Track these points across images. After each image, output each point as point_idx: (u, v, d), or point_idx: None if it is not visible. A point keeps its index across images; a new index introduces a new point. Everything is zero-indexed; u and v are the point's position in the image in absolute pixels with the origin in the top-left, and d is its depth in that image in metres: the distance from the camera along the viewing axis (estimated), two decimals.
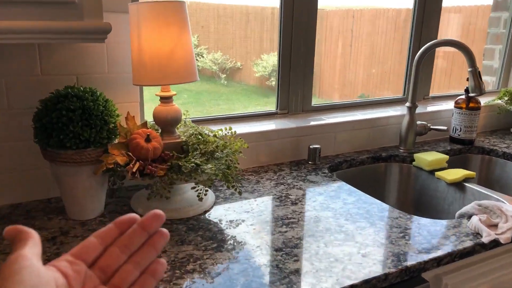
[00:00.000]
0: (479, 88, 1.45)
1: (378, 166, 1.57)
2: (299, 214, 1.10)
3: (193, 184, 1.04)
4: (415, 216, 1.10)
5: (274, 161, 1.46)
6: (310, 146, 1.45)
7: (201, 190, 1.00)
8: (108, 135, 0.99)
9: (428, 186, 1.49)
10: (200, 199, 0.99)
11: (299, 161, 1.48)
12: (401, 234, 1.01)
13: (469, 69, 1.48)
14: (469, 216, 1.09)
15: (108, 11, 1.09)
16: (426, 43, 1.53)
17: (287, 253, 0.92)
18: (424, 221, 1.08)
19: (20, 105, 1.06)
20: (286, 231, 1.01)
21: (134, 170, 0.96)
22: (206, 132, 1.16)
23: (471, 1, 2.91)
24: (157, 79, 1.00)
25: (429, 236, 1.01)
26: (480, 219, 1.03)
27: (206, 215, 1.09)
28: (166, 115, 1.07)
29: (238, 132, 1.37)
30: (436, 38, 1.83)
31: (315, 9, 1.53)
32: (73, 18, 0.80)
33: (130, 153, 1.01)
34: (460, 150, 1.67)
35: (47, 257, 0.89)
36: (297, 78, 1.56)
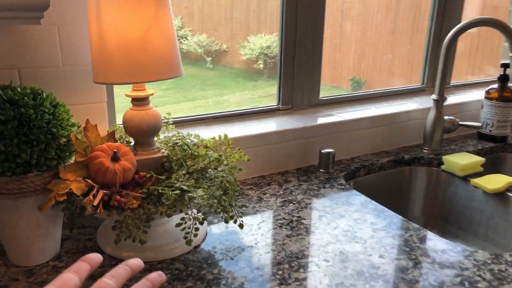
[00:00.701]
0: None
1: (401, 171, 1.32)
2: (318, 249, 0.84)
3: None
4: (469, 249, 0.85)
5: (278, 169, 1.20)
6: (322, 151, 1.19)
7: (189, 228, 0.73)
8: (59, 154, 0.71)
9: (461, 195, 1.24)
10: (188, 242, 0.73)
11: (308, 168, 1.22)
12: (458, 279, 0.76)
13: (511, 54, 1.23)
14: None
15: None
16: (449, 24, 1.27)
17: None
18: (483, 255, 0.83)
19: None
20: (304, 278, 0.76)
21: (95, 202, 0.69)
22: (194, 140, 0.89)
23: None
24: (125, 76, 0.72)
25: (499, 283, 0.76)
26: None
27: (197, 252, 0.82)
28: (140, 123, 0.79)
29: (232, 135, 1.10)
30: (459, 19, 1.57)
31: None
32: None
33: (91, 178, 0.73)
34: (492, 149, 1.43)
35: None
36: (303, 68, 1.29)
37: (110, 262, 0.79)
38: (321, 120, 1.26)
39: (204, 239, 0.87)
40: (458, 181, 1.25)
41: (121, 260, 0.77)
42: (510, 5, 1.95)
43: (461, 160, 1.24)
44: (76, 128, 0.76)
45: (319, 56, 1.31)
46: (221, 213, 0.75)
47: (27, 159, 0.67)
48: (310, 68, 1.30)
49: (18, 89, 0.70)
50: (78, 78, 0.88)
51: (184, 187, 0.74)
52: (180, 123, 1.16)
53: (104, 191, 0.72)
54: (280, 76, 1.29)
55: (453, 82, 1.69)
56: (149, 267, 0.77)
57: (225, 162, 0.83)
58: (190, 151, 0.83)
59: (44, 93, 0.73)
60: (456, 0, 1.54)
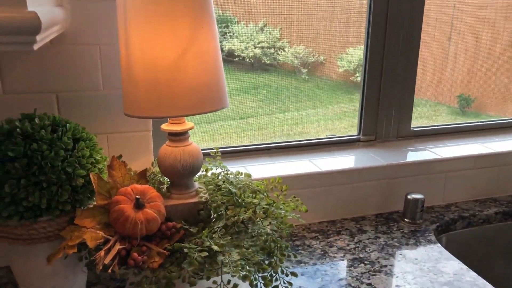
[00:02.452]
0: None
1: None
2: None
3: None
4: None
5: (353, 214, 1.00)
6: (409, 196, 0.97)
7: None
8: (74, 196, 0.61)
9: None
10: None
11: (389, 216, 1.01)
12: None
13: None
14: None
15: None
16: None
17: None
18: None
19: None
20: None
21: (107, 260, 0.58)
22: (243, 182, 0.75)
23: None
24: (153, 109, 0.60)
25: None
26: None
27: None
28: (174, 162, 0.67)
29: (301, 171, 0.94)
30: None
31: None
32: None
33: (110, 225, 0.62)
34: None
35: None
36: (392, 90, 1.08)
37: None
38: (411, 157, 1.04)
39: None
40: None
41: None
42: None
43: None
44: (103, 164, 0.66)
45: (413, 77, 1.10)
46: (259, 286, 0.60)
47: (36, 203, 0.58)
48: (401, 92, 1.09)
49: (37, 119, 0.61)
50: (119, 103, 0.79)
51: (215, 248, 0.59)
52: (242, 153, 1.03)
53: (122, 245, 0.60)
54: (363, 100, 1.10)
55: None
56: None
57: (275, 213, 0.67)
58: (234, 198, 0.69)
59: (68, 124, 0.64)
60: None
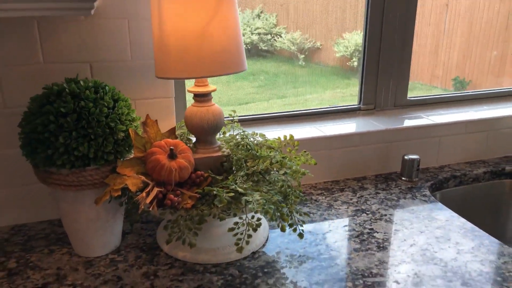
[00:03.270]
0: None
1: (500, 185, 1.14)
2: (389, 268, 0.74)
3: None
4: None
5: (355, 175, 1.10)
6: (405, 157, 1.07)
7: (241, 234, 0.68)
8: (116, 148, 0.70)
9: None
10: (239, 250, 0.68)
11: (388, 176, 1.11)
12: None
13: None
14: None
15: None
16: None
17: None
18: None
19: (17, 102, 0.82)
20: None
21: (148, 200, 0.67)
22: (259, 139, 0.84)
23: None
24: (183, 70, 0.70)
25: None
26: None
27: (254, 259, 0.77)
28: (200, 120, 0.76)
29: (307, 135, 1.03)
30: None
31: None
32: None
33: (148, 174, 0.72)
34: None
35: None
36: (390, 63, 1.17)
37: (166, 260, 0.77)
38: (407, 123, 1.13)
39: (264, 245, 0.81)
40: None
41: (176, 260, 0.76)
42: None
43: None
44: (137, 122, 0.75)
45: (409, 52, 1.19)
46: (278, 220, 0.69)
47: (85, 152, 0.67)
48: (397, 65, 1.18)
49: (82, 82, 0.71)
50: (146, 72, 0.88)
51: (240, 190, 0.69)
52: (254, 121, 1.12)
53: (159, 188, 0.70)
54: (363, 73, 1.19)
55: None
56: (203, 270, 0.74)
57: (288, 164, 0.77)
58: (252, 152, 0.78)
59: (106, 87, 0.73)
60: None
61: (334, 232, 0.85)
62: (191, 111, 0.77)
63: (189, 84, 1.00)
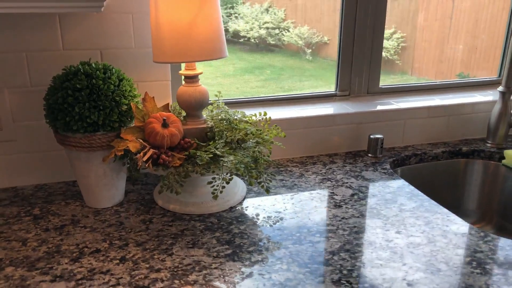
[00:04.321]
0: None
1: (456, 163, 1.30)
2: (340, 221, 0.91)
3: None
4: (492, 235, 0.86)
5: (328, 151, 1.27)
6: (371, 136, 1.23)
7: (217, 186, 0.86)
8: (120, 118, 0.88)
9: None
10: (215, 197, 0.85)
11: (357, 153, 1.27)
12: (468, 260, 0.79)
13: None
14: None
15: None
16: None
17: (311, 271, 0.75)
18: (506, 243, 0.84)
19: (41, 81, 1.00)
20: (318, 242, 0.84)
21: (144, 158, 0.85)
22: (239, 116, 1.01)
23: None
24: (174, 56, 0.87)
25: (508, 266, 0.77)
26: None
27: (231, 212, 0.95)
28: (189, 97, 0.93)
29: (287, 116, 1.20)
30: None
31: None
32: None
33: (145, 140, 0.89)
34: None
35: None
36: (362, 54, 1.33)
37: (160, 211, 0.95)
38: (375, 107, 1.29)
39: (241, 203, 0.99)
40: None
41: (168, 211, 0.93)
42: None
43: None
44: (138, 98, 0.93)
45: (380, 44, 1.34)
46: (247, 177, 0.87)
47: (95, 120, 0.85)
48: (370, 55, 1.34)
49: (93, 64, 0.88)
50: (147, 58, 1.05)
51: (218, 153, 0.86)
52: (241, 103, 1.29)
53: (154, 150, 0.87)
54: (339, 62, 1.35)
55: None
56: (189, 218, 0.92)
57: (260, 136, 0.94)
58: (231, 125, 0.95)
59: (113, 69, 0.90)
60: None
61: (300, 194, 1.03)
62: (181, 90, 0.94)
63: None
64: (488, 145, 1.31)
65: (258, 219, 0.92)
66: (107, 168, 0.92)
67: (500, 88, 1.28)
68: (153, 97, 0.94)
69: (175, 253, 0.80)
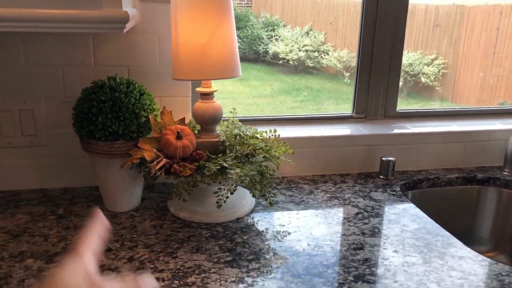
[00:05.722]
0: None
1: (470, 190, 1.30)
2: (340, 237, 0.94)
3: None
4: (490, 260, 0.87)
5: (340, 171, 1.30)
6: (383, 158, 1.26)
7: (222, 196, 0.92)
8: (138, 128, 0.96)
9: None
10: (219, 206, 0.91)
11: (369, 174, 1.30)
12: (460, 282, 0.80)
13: None
14: None
15: (158, 1, 1.07)
16: None
17: (303, 281, 0.79)
18: (504, 268, 0.84)
19: (74, 93, 1.09)
20: (315, 255, 0.87)
21: (157, 167, 0.92)
22: (251, 132, 1.07)
23: None
24: (190, 74, 0.94)
25: None
26: None
27: (238, 222, 1.00)
28: (203, 112, 1.00)
29: (302, 134, 1.25)
30: None
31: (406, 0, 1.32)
32: (91, 7, 0.78)
33: (161, 150, 0.96)
34: None
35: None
36: (379, 77, 1.37)
37: (171, 218, 1.01)
38: (389, 130, 1.32)
39: (248, 215, 1.04)
40: None
41: (178, 218, 1.00)
42: None
43: None
44: (157, 112, 1.01)
45: (398, 68, 1.38)
46: (252, 190, 0.92)
47: (116, 129, 0.93)
48: (387, 79, 1.37)
49: (118, 79, 0.97)
50: (169, 76, 1.13)
51: (225, 165, 0.92)
52: (259, 121, 1.35)
53: (167, 160, 0.94)
54: (356, 85, 1.39)
55: None
56: (197, 226, 0.98)
57: (268, 151, 0.99)
58: (242, 139, 1.01)
59: (136, 84, 0.99)
60: None
61: (306, 210, 1.06)
62: (197, 105, 1.02)
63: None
64: (505, 173, 1.31)
65: (261, 230, 0.96)
66: (125, 175, 1.00)
67: None
68: (171, 111, 1.02)
69: (179, 256, 0.86)
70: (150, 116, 0.97)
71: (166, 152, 0.96)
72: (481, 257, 0.88)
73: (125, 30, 0.81)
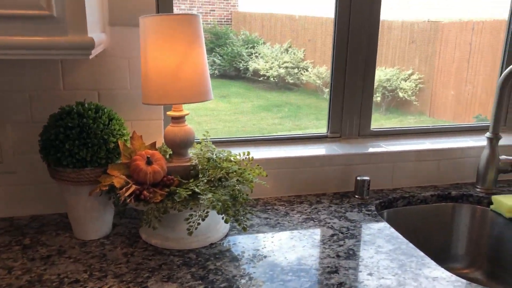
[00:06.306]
0: None
1: (444, 207, 1.31)
2: (314, 261, 0.93)
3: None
4: (462, 280, 0.87)
5: (316, 191, 1.30)
6: (358, 177, 1.26)
7: (193, 222, 0.90)
8: (107, 155, 0.94)
9: (508, 237, 1.20)
10: (190, 233, 0.89)
11: (345, 194, 1.30)
12: None
13: None
14: None
15: (128, 25, 1.06)
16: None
17: None
18: None
19: (42, 118, 1.07)
20: (289, 280, 0.86)
21: (126, 194, 0.90)
22: (224, 155, 1.06)
23: None
24: (160, 98, 0.93)
25: None
26: None
27: (211, 248, 0.98)
28: (174, 136, 0.99)
29: (277, 155, 1.24)
30: None
31: (377, 20, 1.34)
32: (56, 33, 0.76)
33: (130, 175, 0.94)
34: None
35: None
36: (353, 98, 1.38)
37: (142, 245, 0.99)
38: (364, 149, 1.33)
39: (222, 240, 1.02)
40: (504, 222, 1.20)
41: (150, 245, 0.97)
42: None
43: (509, 201, 1.20)
44: (127, 137, 0.99)
45: (371, 87, 1.39)
46: (224, 215, 0.90)
47: (84, 156, 0.91)
48: (360, 99, 1.38)
49: (86, 105, 0.95)
50: (140, 99, 1.11)
51: (197, 190, 0.91)
52: (233, 142, 1.34)
53: (137, 187, 0.92)
54: (330, 105, 1.40)
55: None
56: (169, 253, 0.95)
57: (241, 174, 0.98)
58: (215, 163, 1.00)
59: (105, 109, 0.97)
60: None
61: (281, 233, 1.05)
62: (168, 129, 1.00)
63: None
64: (478, 189, 1.32)
65: (235, 256, 0.95)
66: (95, 202, 0.97)
67: (488, 134, 1.30)
68: (141, 135, 1.00)
69: (149, 286, 0.84)
70: (119, 142, 0.95)
71: (136, 178, 0.94)
72: (454, 277, 0.87)
73: (91, 56, 0.80)
